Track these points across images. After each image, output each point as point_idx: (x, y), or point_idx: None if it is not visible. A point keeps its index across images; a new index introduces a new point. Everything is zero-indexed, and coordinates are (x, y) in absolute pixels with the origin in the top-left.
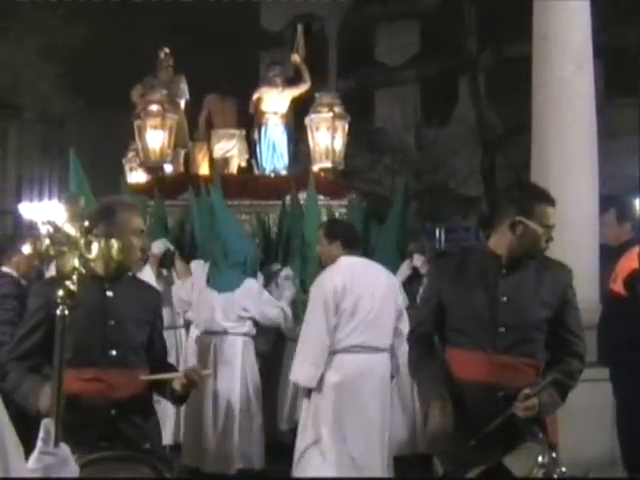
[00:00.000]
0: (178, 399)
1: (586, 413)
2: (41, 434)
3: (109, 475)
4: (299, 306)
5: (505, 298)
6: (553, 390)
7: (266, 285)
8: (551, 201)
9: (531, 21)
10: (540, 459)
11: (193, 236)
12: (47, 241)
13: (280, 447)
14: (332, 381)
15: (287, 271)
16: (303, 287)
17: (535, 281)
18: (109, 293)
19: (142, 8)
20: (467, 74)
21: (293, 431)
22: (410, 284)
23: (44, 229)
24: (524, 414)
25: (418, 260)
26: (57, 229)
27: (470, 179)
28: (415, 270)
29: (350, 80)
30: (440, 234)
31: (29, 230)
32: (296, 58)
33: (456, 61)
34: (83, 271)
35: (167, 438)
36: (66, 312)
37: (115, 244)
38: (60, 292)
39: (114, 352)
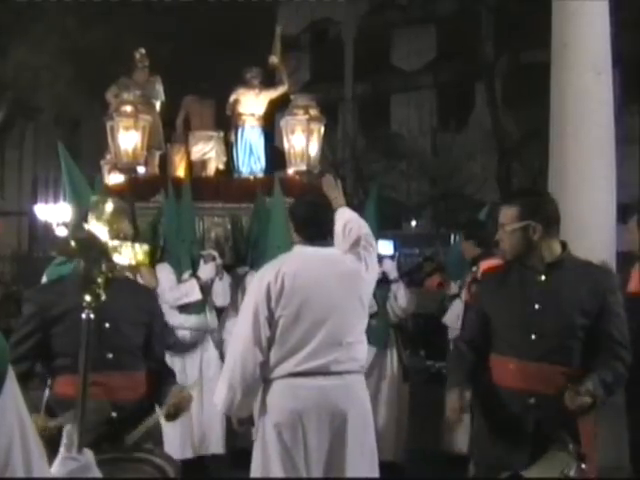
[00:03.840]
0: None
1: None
2: (64, 440)
3: (112, 476)
4: None
5: (538, 305)
6: (600, 388)
7: (235, 288)
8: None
9: (548, 28)
10: (566, 471)
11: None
12: (73, 243)
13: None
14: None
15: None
16: None
17: (573, 287)
18: (102, 296)
19: (160, 12)
20: (484, 80)
21: None
22: (378, 289)
23: (59, 230)
24: (574, 406)
25: (387, 265)
26: (84, 232)
27: (485, 185)
28: (384, 275)
29: (366, 85)
30: (454, 240)
31: (45, 232)
32: (274, 60)
33: (473, 67)
34: (110, 275)
35: (217, 446)
36: (92, 316)
37: (142, 248)
38: (87, 297)
39: (111, 355)
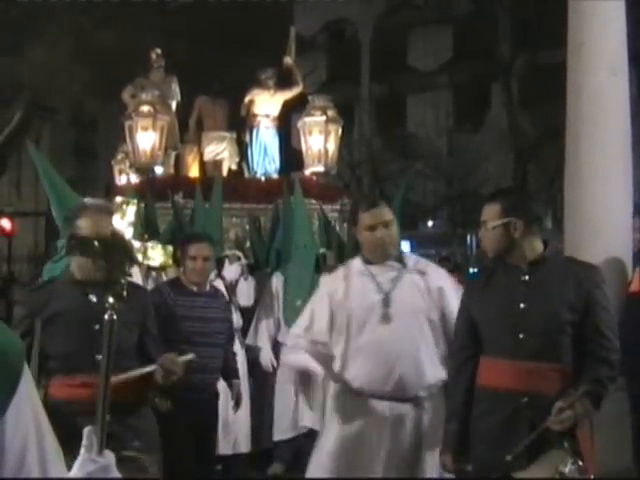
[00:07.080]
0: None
1: (601, 421)
2: (84, 442)
3: None
4: (292, 311)
5: (523, 304)
6: (586, 400)
7: (258, 290)
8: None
9: (565, 28)
10: (561, 467)
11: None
12: (96, 243)
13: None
14: None
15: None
16: (298, 292)
17: (557, 284)
18: (92, 298)
19: (176, 12)
20: (500, 80)
21: (288, 441)
22: None
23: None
24: (560, 427)
25: None
26: (114, 234)
27: (501, 185)
28: None
29: (383, 85)
30: (471, 240)
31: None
32: (288, 61)
33: (489, 67)
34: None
35: (244, 446)
36: (114, 317)
37: (166, 248)
38: (110, 298)
39: (100, 357)
